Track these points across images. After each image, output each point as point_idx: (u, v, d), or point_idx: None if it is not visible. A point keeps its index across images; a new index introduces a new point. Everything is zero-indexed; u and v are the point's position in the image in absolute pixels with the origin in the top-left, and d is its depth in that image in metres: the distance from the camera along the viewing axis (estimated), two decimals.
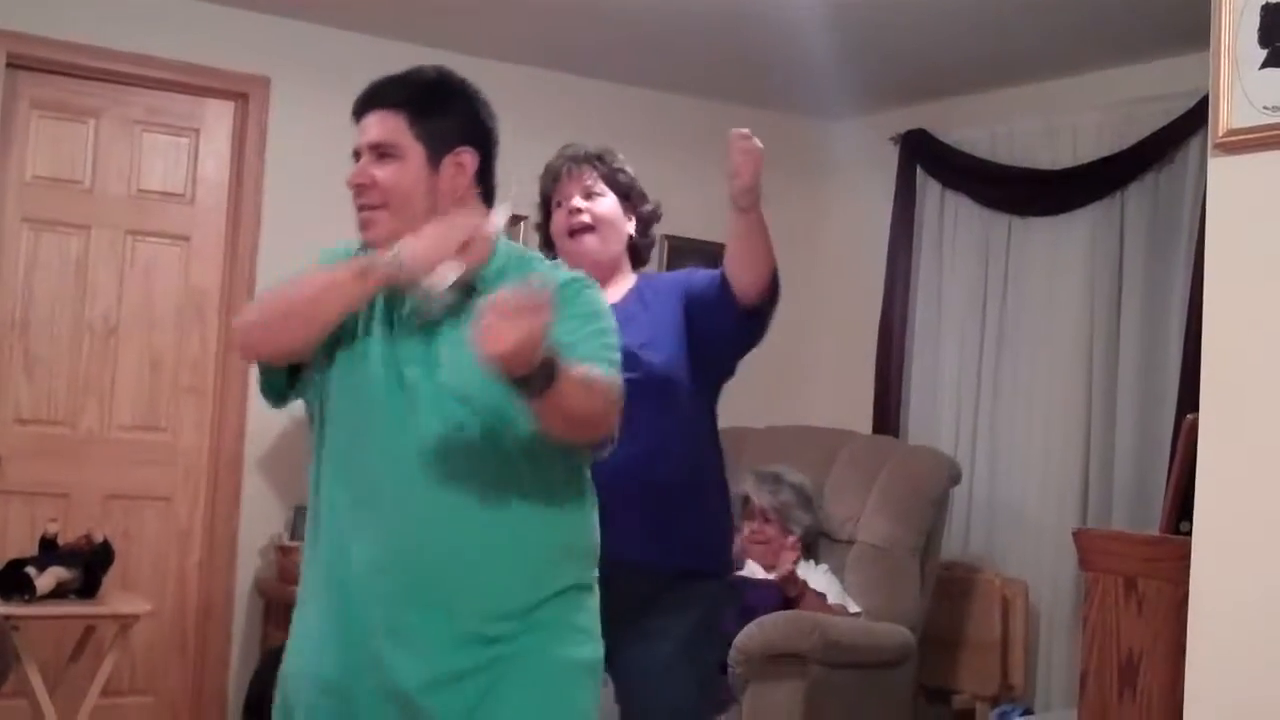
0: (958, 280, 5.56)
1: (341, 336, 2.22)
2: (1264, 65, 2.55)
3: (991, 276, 5.44)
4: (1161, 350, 4.86)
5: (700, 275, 3.09)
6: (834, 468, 5.03)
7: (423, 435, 2.14)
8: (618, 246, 3.15)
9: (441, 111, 2.24)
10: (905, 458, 5.05)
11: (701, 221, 5.74)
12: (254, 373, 5.37)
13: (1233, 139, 2.60)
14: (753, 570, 4.56)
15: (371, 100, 2.27)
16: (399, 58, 5.46)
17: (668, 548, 2.93)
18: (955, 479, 4.98)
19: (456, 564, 2.14)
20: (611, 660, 2.43)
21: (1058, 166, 5.23)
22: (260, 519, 5.07)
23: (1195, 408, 2.71)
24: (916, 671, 4.69)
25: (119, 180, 4.97)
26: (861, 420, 5.65)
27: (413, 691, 2.13)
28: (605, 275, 3.01)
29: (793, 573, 4.45)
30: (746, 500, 4.70)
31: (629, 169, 3.24)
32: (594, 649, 2.27)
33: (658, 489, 2.89)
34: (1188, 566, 2.68)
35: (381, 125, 2.24)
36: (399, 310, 2.21)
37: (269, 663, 4.72)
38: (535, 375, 1.94)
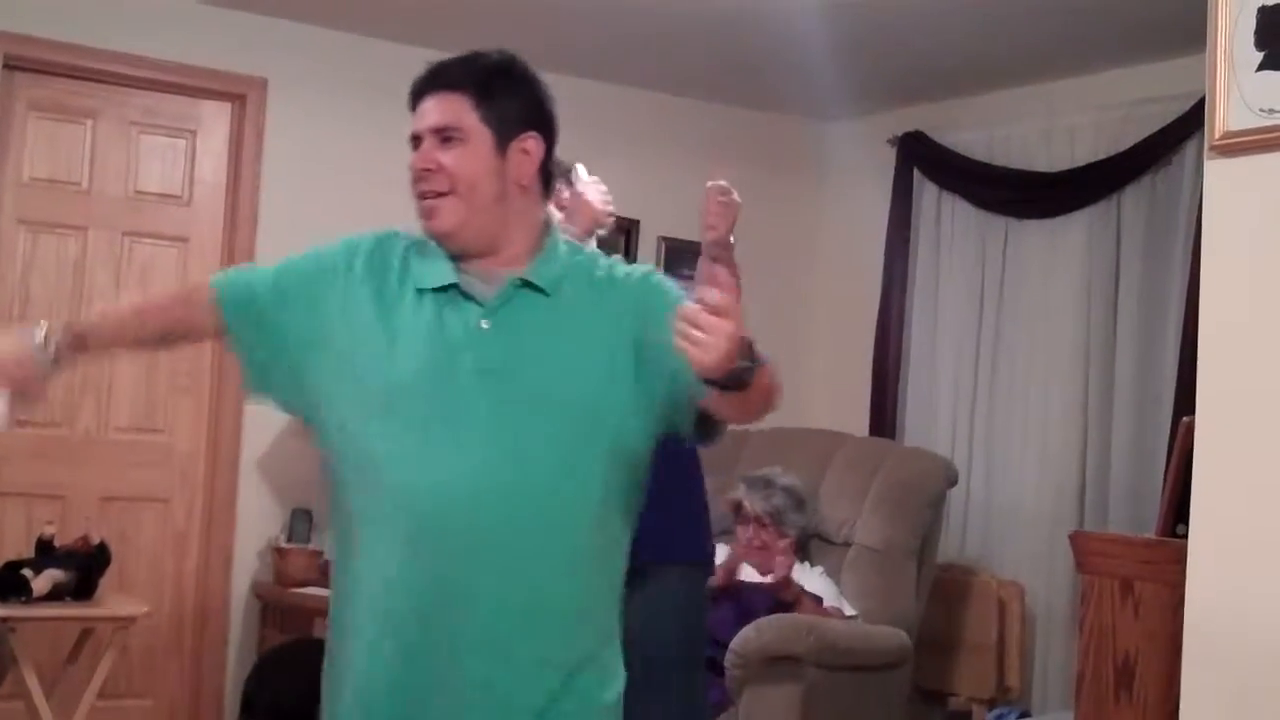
0: (954, 282, 5.56)
1: (331, 341, 2.05)
2: (1260, 68, 2.56)
3: (988, 279, 5.44)
4: (1158, 353, 4.86)
5: None
6: (830, 470, 5.03)
7: (497, 453, 1.97)
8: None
9: (508, 94, 2.06)
10: (902, 460, 5.04)
11: (699, 223, 5.75)
12: None
13: (1229, 141, 2.60)
14: (749, 575, 4.56)
15: (431, 81, 2.09)
16: (396, 59, 5.49)
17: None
18: (952, 481, 4.98)
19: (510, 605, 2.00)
20: None
21: (1054, 169, 5.23)
22: (257, 521, 5.07)
23: (1192, 410, 2.71)
24: (913, 674, 4.69)
25: (116, 181, 4.97)
26: (858, 422, 5.65)
27: None
28: None
29: (788, 577, 4.45)
30: (739, 506, 4.68)
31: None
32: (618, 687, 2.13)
33: None
34: (1184, 569, 2.68)
35: (444, 107, 2.05)
36: (459, 322, 2.02)
37: (264, 664, 4.71)
38: (744, 370, 1.82)
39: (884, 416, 5.65)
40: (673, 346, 1.78)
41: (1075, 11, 4.52)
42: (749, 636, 4.18)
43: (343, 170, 5.16)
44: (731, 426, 2.08)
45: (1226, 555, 2.60)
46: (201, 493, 5.07)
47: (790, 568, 4.50)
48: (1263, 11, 2.56)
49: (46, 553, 4.27)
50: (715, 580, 4.42)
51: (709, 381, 1.82)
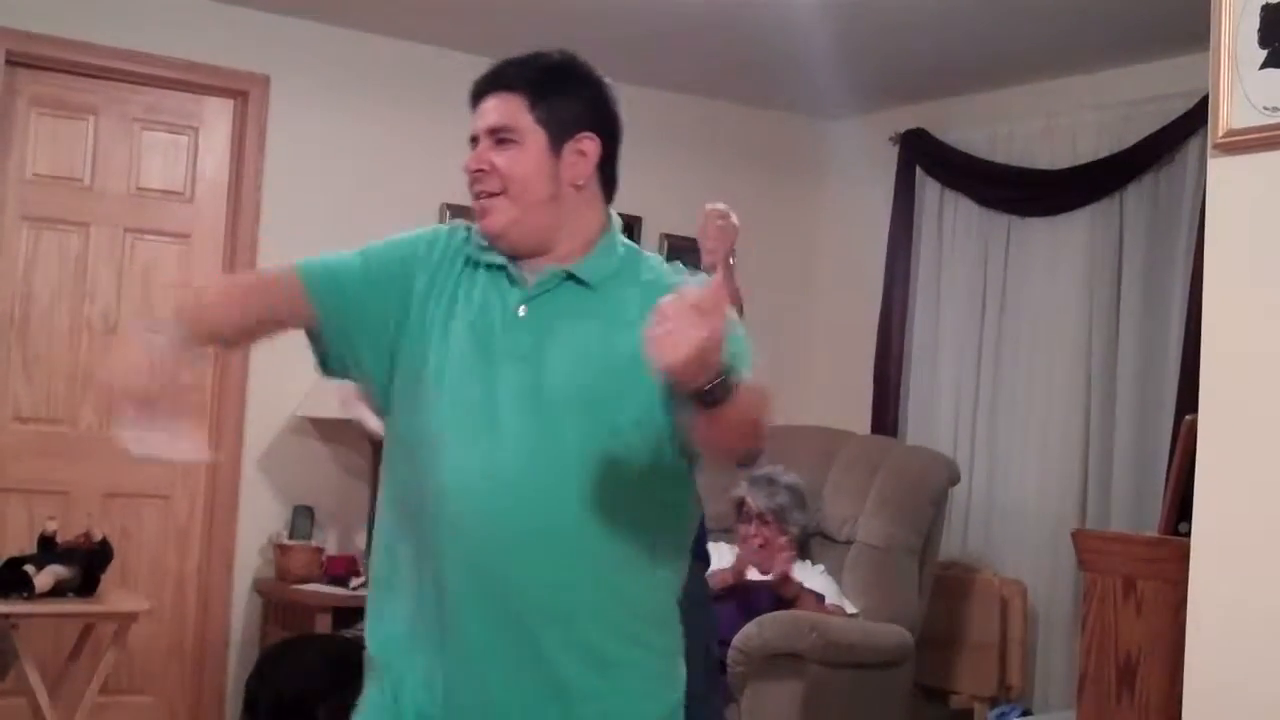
0: (956, 280, 5.56)
1: (410, 328, 2.07)
2: (1264, 66, 2.55)
3: (990, 277, 5.44)
4: (1160, 351, 4.86)
5: None
6: (832, 468, 5.03)
7: (516, 443, 1.98)
8: None
9: (564, 94, 2.06)
10: (904, 458, 5.05)
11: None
12: (253, 371, 5.38)
13: (1232, 139, 2.60)
14: (750, 573, 4.56)
15: (490, 83, 2.08)
16: (398, 56, 5.52)
17: None
18: (954, 479, 4.98)
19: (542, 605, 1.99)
20: None
21: (1057, 166, 5.23)
22: (259, 518, 5.07)
23: (1194, 408, 2.71)
24: (914, 672, 4.69)
25: (118, 178, 4.97)
26: (860, 420, 5.65)
27: None
28: None
29: (787, 574, 4.45)
30: (742, 503, 4.69)
31: None
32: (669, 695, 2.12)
33: None
34: (1186, 567, 2.68)
35: (500, 108, 2.04)
36: (493, 300, 2.05)
37: (266, 661, 4.71)
38: (716, 385, 1.75)
39: (886, 414, 5.65)
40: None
41: (1078, 10, 4.52)
42: (751, 634, 4.18)
43: (345, 167, 5.16)
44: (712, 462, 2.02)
45: (1229, 554, 2.60)
46: (203, 489, 5.07)
47: (790, 564, 4.51)
48: (1266, 10, 2.56)
49: (48, 549, 4.27)
50: (723, 580, 4.43)
51: (678, 390, 1.77)
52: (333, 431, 5.08)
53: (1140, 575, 3.13)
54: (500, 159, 2.04)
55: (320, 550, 4.97)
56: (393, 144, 5.20)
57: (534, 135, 2.04)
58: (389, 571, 2.10)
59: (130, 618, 4.33)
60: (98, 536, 4.36)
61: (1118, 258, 5.03)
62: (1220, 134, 2.61)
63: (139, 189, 5.01)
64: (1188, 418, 2.89)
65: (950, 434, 5.46)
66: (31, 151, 4.83)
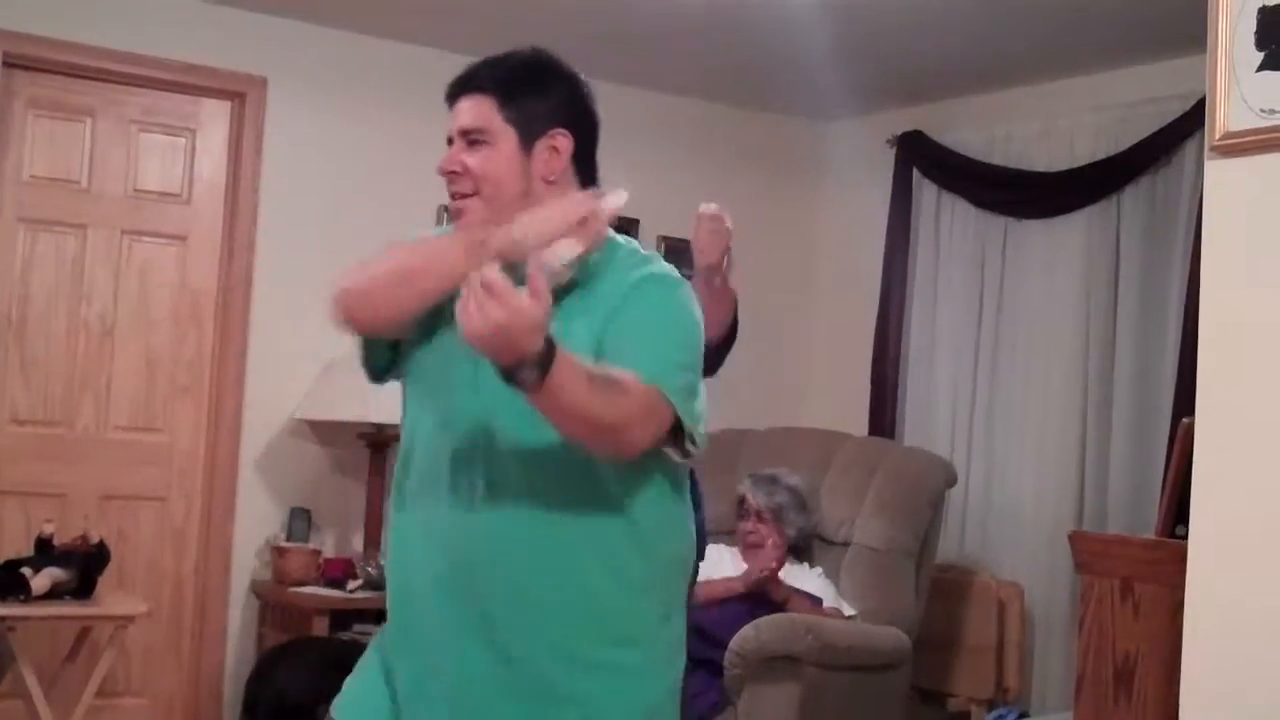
0: (954, 282, 5.56)
1: (436, 320, 2.11)
2: (1261, 68, 2.55)
3: (987, 279, 5.44)
4: (1157, 353, 4.86)
5: None
6: (830, 470, 5.03)
7: (494, 435, 2.03)
8: None
9: (534, 93, 2.12)
10: (901, 460, 5.05)
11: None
12: (250, 373, 5.37)
13: (1230, 142, 2.59)
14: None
15: (463, 85, 2.14)
16: (396, 58, 5.52)
17: None
18: (951, 481, 4.98)
19: (514, 592, 2.04)
20: None
21: (1054, 169, 5.23)
22: (256, 520, 5.06)
23: (1191, 411, 2.71)
24: (911, 674, 4.69)
25: (115, 180, 4.97)
26: (857, 422, 5.65)
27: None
28: None
29: (774, 574, 4.42)
30: (742, 500, 4.71)
31: None
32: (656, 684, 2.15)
33: None
34: (1184, 570, 2.67)
35: (472, 110, 2.10)
36: None
37: (266, 664, 4.71)
38: (522, 366, 1.79)
39: (883, 416, 5.65)
40: (607, 345, 1.88)
41: (1075, 11, 4.52)
42: (748, 636, 4.18)
43: (342, 169, 5.16)
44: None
45: (1226, 556, 2.60)
46: (200, 492, 5.07)
47: (778, 562, 4.48)
48: (1263, 12, 2.56)
49: (45, 551, 4.26)
50: (730, 589, 4.43)
51: (503, 371, 1.82)
52: (330, 434, 5.08)
53: (1137, 578, 3.13)
54: (472, 160, 2.09)
55: (317, 553, 4.97)
56: (390, 146, 5.19)
57: (505, 135, 2.09)
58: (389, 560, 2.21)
59: (127, 620, 4.32)
60: (95, 539, 4.35)
61: (1115, 260, 5.03)
62: (1217, 136, 2.61)
63: (136, 191, 5.00)
64: (1185, 420, 2.89)
65: (947, 436, 5.46)
66: (28, 153, 4.82)
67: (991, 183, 5.43)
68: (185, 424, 5.06)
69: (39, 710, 4.15)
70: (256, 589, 5.05)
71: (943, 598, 5.00)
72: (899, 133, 5.72)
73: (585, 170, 2.16)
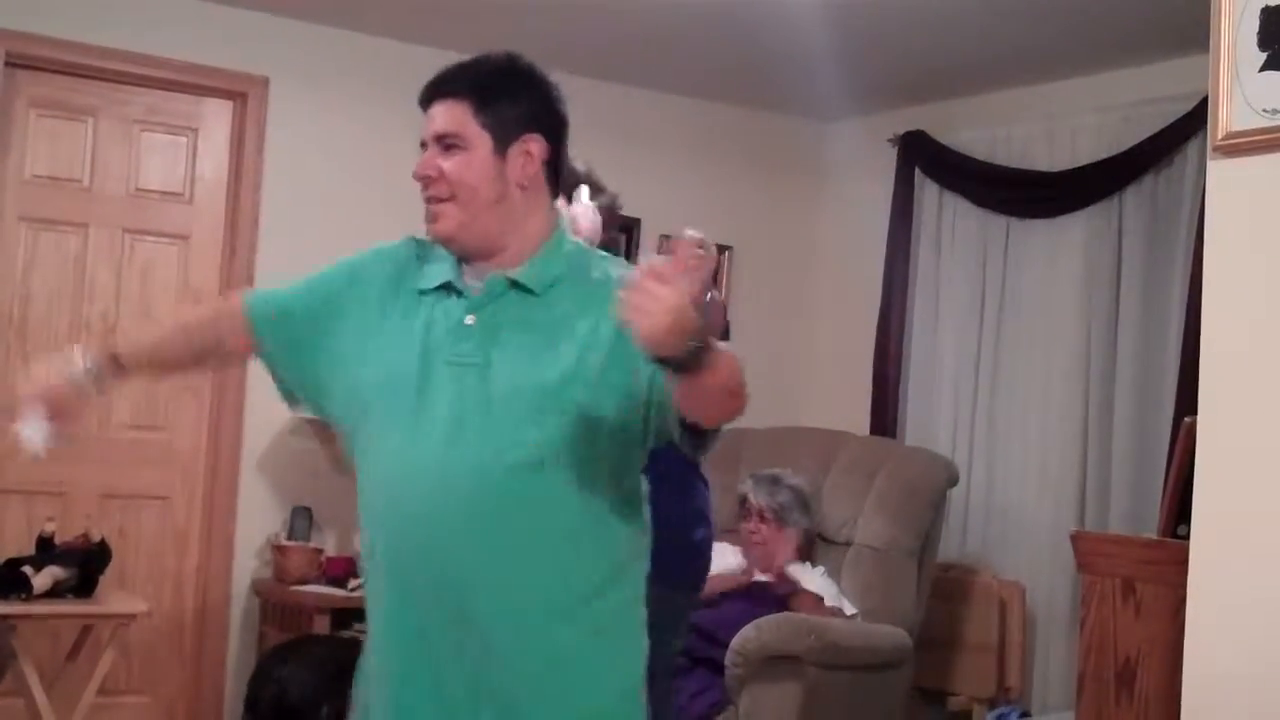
0: (955, 282, 5.55)
1: (362, 342, 2.15)
2: (1263, 68, 2.55)
3: (989, 278, 5.44)
4: (1159, 353, 4.86)
5: None
6: (832, 469, 5.03)
7: (468, 443, 2.04)
8: None
9: (508, 98, 2.11)
10: (903, 459, 5.05)
11: (701, 222, 5.73)
12: (252, 372, 5.37)
13: (1232, 141, 2.60)
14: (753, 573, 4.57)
15: (436, 89, 2.15)
16: (397, 58, 5.52)
17: None
18: (953, 481, 4.98)
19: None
20: None
21: (1056, 168, 5.23)
22: (258, 519, 5.07)
23: (1193, 410, 2.71)
24: (913, 673, 4.69)
25: (117, 179, 4.97)
26: (859, 422, 5.65)
27: None
28: None
29: (781, 569, 4.44)
30: (744, 500, 4.71)
31: (578, 166, 3.03)
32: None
33: None
34: (1185, 570, 2.68)
35: (446, 115, 2.11)
36: (439, 313, 2.12)
37: (267, 663, 4.71)
38: (698, 349, 1.78)
39: (885, 416, 5.65)
40: (628, 337, 1.81)
41: (1077, 12, 4.51)
42: (749, 636, 4.18)
43: (344, 168, 5.16)
44: (716, 429, 2.03)
45: (1228, 556, 2.60)
46: (202, 490, 5.07)
47: (788, 557, 4.49)
48: (1266, 12, 2.56)
49: (47, 550, 4.27)
50: (739, 583, 4.44)
51: (660, 362, 1.82)
52: (332, 432, 5.08)
53: (1139, 577, 3.13)
54: (447, 165, 2.10)
55: (319, 551, 4.97)
56: (391, 145, 5.18)
57: (479, 140, 2.10)
58: (365, 575, 2.23)
59: (128, 619, 4.33)
60: (96, 537, 4.36)
61: (1117, 259, 5.03)
62: (1220, 136, 2.61)
63: (138, 190, 5.01)
64: (1187, 420, 2.89)
65: (949, 435, 5.46)
66: (31, 152, 4.83)
67: (993, 182, 5.43)
68: (187, 423, 5.06)
69: (40, 708, 4.15)
70: (258, 587, 5.05)
71: (944, 597, 5.00)
72: (901, 132, 5.72)
73: (554, 174, 2.17)
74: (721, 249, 5.90)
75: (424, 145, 2.15)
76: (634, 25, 4.94)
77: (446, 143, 2.11)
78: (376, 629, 2.16)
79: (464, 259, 2.13)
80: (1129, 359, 4.96)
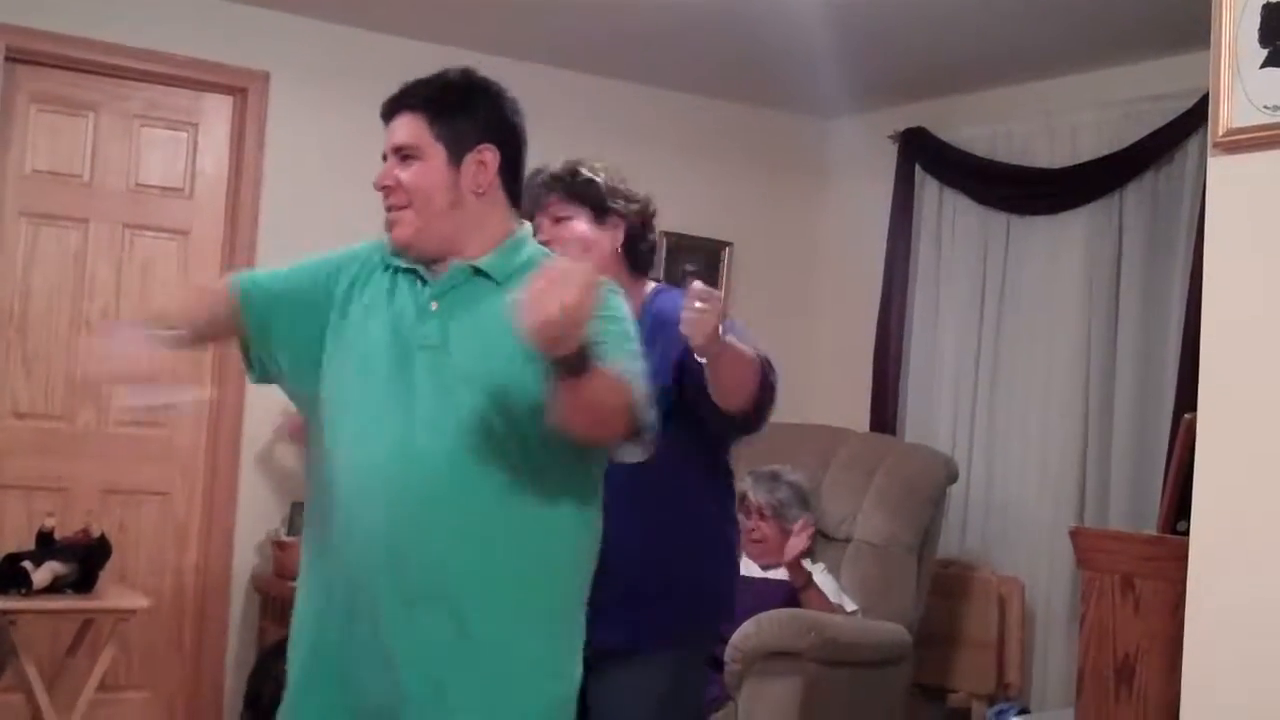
0: (956, 279, 5.56)
1: (332, 323, 2.29)
2: (1265, 64, 2.55)
3: (990, 275, 5.44)
4: (1159, 349, 4.86)
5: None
6: (831, 466, 5.03)
7: (425, 423, 2.17)
8: (600, 264, 2.69)
9: (462, 111, 2.27)
10: (903, 456, 5.05)
11: (701, 219, 5.75)
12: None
13: (1233, 138, 2.59)
14: (748, 569, 4.56)
15: (396, 103, 2.31)
16: (398, 54, 5.51)
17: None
18: (952, 477, 4.98)
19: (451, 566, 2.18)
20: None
21: (1057, 165, 5.23)
22: (257, 514, 5.07)
23: (1193, 407, 2.71)
24: (912, 670, 4.69)
25: (118, 174, 4.97)
26: (859, 418, 5.65)
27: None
28: None
29: (797, 560, 4.44)
30: (743, 498, 4.70)
31: (600, 176, 2.92)
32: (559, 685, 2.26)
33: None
34: (1185, 566, 2.68)
35: (404, 128, 2.27)
36: (407, 298, 2.25)
37: (268, 658, 4.71)
38: (575, 355, 1.93)
39: (885, 413, 5.65)
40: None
41: (1078, 8, 4.51)
42: (748, 632, 4.18)
43: (344, 164, 5.14)
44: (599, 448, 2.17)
45: (1227, 552, 2.60)
46: (202, 486, 5.07)
47: (802, 550, 4.48)
48: (1267, 8, 2.56)
49: (47, 545, 4.27)
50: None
51: (541, 355, 1.94)
52: None
53: (1139, 574, 3.13)
54: (405, 175, 2.24)
55: None
56: None
57: (434, 151, 2.24)
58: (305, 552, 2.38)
59: (128, 614, 4.33)
60: (96, 533, 4.37)
61: (1117, 256, 5.03)
62: (1220, 133, 2.61)
63: (138, 185, 5.01)
64: (1187, 416, 2.89)
65: (949, 432, 5.46)
66: (31, 147, 4.83)
67: (994, 179, 5.43)
68: (187, 418, 5.06)
69: (40, 703, 4.16)
70: (257, 583, 5.06)
71: (944, 593, 5.01)
72: (901, 129, 5.72)
73: (511, 182, 2.30)
74: (721, 246, 5.90)
75: (385, 157, 2.28)
76: (634, 22, 4.93)
77: (404, 154, 2.25)
78: (312, 602, 2.37)
79: (424, 263, 2.26)
80: (1129, 356, 4.96)
